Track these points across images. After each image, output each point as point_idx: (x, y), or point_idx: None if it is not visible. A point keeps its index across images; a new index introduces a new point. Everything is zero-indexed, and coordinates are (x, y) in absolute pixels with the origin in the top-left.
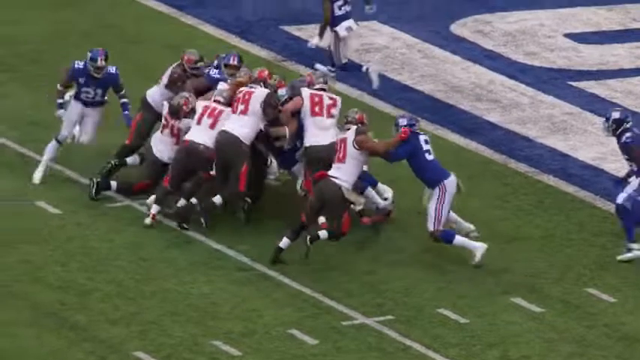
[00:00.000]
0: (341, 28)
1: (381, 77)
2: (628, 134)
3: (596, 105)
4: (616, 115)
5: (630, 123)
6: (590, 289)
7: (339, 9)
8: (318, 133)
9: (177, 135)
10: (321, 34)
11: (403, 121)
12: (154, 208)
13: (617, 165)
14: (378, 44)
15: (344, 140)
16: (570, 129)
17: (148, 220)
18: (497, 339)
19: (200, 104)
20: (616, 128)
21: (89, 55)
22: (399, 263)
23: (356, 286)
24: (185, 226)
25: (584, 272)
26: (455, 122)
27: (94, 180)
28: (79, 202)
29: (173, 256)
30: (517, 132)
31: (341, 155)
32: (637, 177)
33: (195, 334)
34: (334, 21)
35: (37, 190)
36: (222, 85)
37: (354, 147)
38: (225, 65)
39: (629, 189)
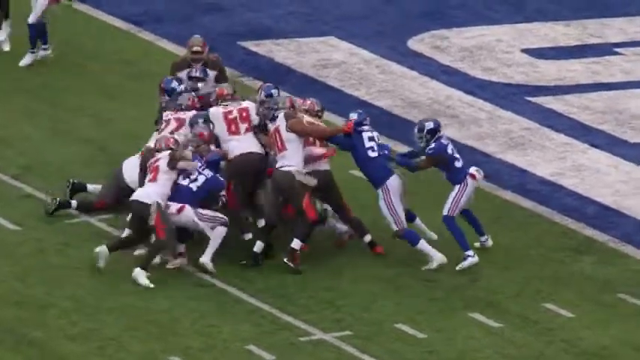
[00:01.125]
0: None
1: (337, 92)
2: (433, 145)
3: (553, 120)
4: (430, 125)
5: (442, 132)
6: (548, 305)
7: None
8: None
9: (154, 170)
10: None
11: (352, 116)
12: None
13: (576, 180)
14: (336, 60)
15: (277, 129)
16: (528, 144)
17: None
18: (455, 354)
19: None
20: (430, 138)
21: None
22: (358, 279)
23: (314, 301)
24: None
25: (542, 287)
26: (413, 138)
27: (56, 199)
28: (38, 219)
29: (132, 272)
30: (475, 147)
31: (279, 145)
32: (453, 184)
33: (154, 350)
34: None
35: None
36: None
37: (288, 131)
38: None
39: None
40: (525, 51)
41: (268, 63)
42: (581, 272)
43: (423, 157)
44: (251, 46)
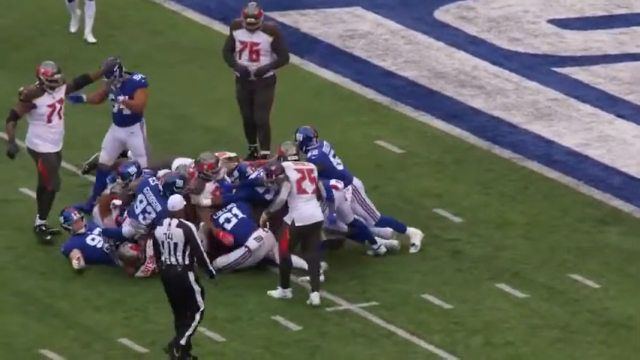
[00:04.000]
0: None
1: (364, 62)
2: (315, 152)
3: (580, 91)
4: (299, 137)
5: (312, 143)
6: (574, 275)
7: None
8: None
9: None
10: None
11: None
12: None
13: (602, 151)
14: (362, 30)
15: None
16: (554, 115)
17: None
18: (481, 325)
19: None
20: (300, 146)
21: None
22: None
23: (340, 272)
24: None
25: (568, 258)
26: (439, 108)
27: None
28: (63, 189)
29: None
30: (501, 118)
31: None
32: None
33: None
34: None
35: (21, 177)
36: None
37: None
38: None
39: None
40: (552, 21)
41: (294, 34)
42: (607, 243)
43: None
44: (277, 16)
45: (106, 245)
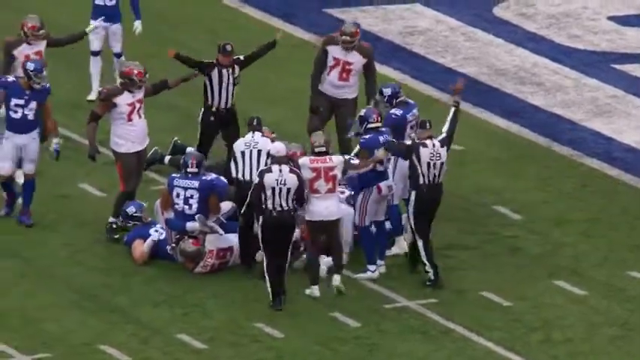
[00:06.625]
0: None
1: (422, 59)
2: (398, 111)
3: (639, 88)
4: (387, 91)
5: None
6: (634, 273)
7: None
8: None
9: (332, 180)
10: None
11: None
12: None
13: None
14: (421, 27)
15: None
16: (614, 112)
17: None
18: (540, 322)
19: None
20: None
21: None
22: (443, 247)
23: (398, 268)
24: None
25: (628, 256)
26: (498, 105)
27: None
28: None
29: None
30: (561, 115)
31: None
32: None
33: (237, 317)
34: None
35: (81, 173)
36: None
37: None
38: None
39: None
40: (611, 18)
41: None
42: None
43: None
44: (337, 13)
45: (169, 248)
